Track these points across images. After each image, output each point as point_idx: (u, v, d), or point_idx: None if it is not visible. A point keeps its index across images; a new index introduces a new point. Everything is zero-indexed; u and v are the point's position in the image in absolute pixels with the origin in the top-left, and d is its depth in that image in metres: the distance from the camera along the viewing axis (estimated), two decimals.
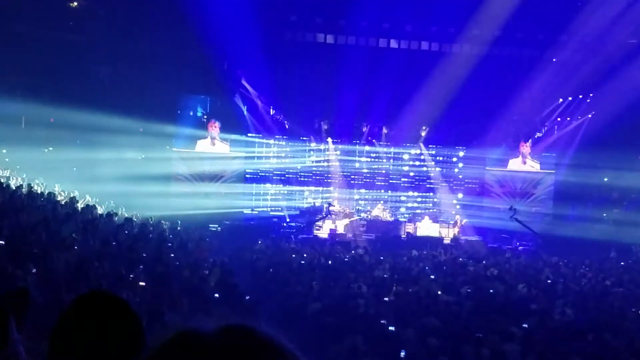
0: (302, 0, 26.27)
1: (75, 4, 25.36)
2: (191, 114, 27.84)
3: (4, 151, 23.77)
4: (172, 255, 14.74)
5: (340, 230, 26.55)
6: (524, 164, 29.64)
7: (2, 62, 23.60)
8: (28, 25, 23.27)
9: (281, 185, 29.26)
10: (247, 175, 28.66)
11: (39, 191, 18.58)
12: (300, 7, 26.75)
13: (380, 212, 28.06)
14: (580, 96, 28.82)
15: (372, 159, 30.07)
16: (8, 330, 2.61)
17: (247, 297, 11.70)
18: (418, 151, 29.91)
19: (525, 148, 29.44)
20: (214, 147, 27.88)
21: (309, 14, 27.21)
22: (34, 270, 8.97)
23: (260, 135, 28.95)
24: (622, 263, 21.96)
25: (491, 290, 14.67)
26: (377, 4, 25.61)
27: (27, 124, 25.77)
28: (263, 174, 29.25)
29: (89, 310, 2.36)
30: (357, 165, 30.07)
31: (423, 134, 29.46)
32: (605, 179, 28.94)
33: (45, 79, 24.57)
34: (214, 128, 27.71)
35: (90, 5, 25.23)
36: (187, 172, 27.70)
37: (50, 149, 25.80)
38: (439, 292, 13.55)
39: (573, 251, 22.94)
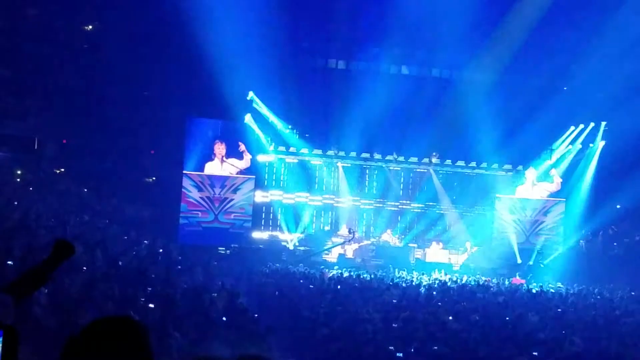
0: (314, 26, 26.42)
1: (91, 27, 25.67)
2: (202, 136, 27.88)
3: (19, 172, 23.94)
4: (180, 277, 14.75)
5: (350, 255, 26.48)
6: (532, 189, 29.45)
7: (17, 84, 23.87)
8: (45, 48, 23.55)
9: (291, 209, 29.18)
10: (256, 199, 28.60)
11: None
12: (313, 33, 26.92)
13: (390, 237, 27.97)
14: (592, 124, 28.73)
15: (382, 184, 29.99)
16: None
17: (255, 321, 11.66)
18: (428, 177, 29.81)
19: (531, 173, 29.26)
20: (223, 168, 27.89)
21: (321, 40, 27.37)
22: (46, 291, 9.00)
23: (272, 158, 28.95)
24: (632, 293, 21.77)
25: (506, 318, 14.57)
26: (389, 31, 25.77)
27: (39, 145, 25.97)
28: (273, 197, 29.21)
29: (103, 337, 2.38)
30: (366, 190, 30.05)
31: (434, 159, 29.39)
32: (618, 206, 28.76)
33: (59, 101, 24.80)
34: (220, 149, 27.74)
35: (105, 29, 25.51)
36: (198, 195, 27.71)
37: (62, 170, 25.97)
38: (448, 319, 13.47)
39: (583, 280, 22.78)
